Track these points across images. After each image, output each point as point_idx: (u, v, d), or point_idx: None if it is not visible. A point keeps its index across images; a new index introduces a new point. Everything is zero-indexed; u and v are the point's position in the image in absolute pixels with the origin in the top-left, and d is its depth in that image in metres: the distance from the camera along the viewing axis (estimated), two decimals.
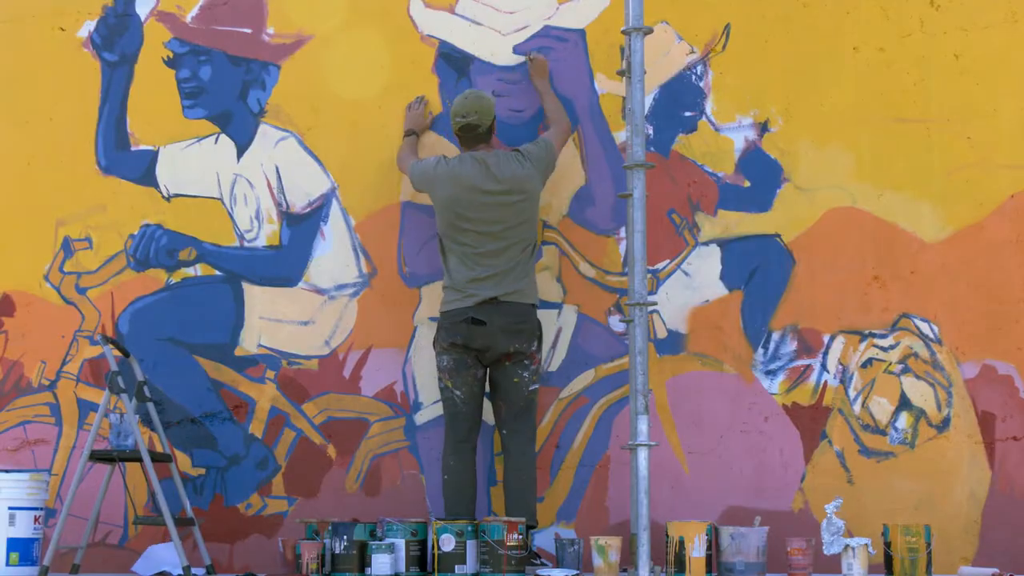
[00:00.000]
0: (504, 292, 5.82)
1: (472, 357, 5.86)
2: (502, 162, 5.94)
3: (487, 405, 6.03)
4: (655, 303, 5.71)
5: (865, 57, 6.13)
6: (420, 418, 6.22)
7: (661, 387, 6.09)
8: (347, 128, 6.43)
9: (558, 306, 6.22)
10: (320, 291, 6.37)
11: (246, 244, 6.45)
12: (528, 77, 6.27)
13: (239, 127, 6.51)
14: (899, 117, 6.08)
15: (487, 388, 6.00)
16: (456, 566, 5.47)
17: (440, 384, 5.95)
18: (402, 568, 5.51)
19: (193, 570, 5.84)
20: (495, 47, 6.37)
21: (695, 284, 6.14)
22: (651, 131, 6.19)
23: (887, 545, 5.40)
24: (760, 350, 6.06)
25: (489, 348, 5.83)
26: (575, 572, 5.47)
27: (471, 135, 6.01)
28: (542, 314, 6.14)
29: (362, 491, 6.22)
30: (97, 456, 5.93)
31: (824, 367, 6.02)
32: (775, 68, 6.19)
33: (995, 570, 5.40)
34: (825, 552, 5.33)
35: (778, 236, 6.11)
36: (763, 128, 6.17)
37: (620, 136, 6.22)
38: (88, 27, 6.66)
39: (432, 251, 6.20)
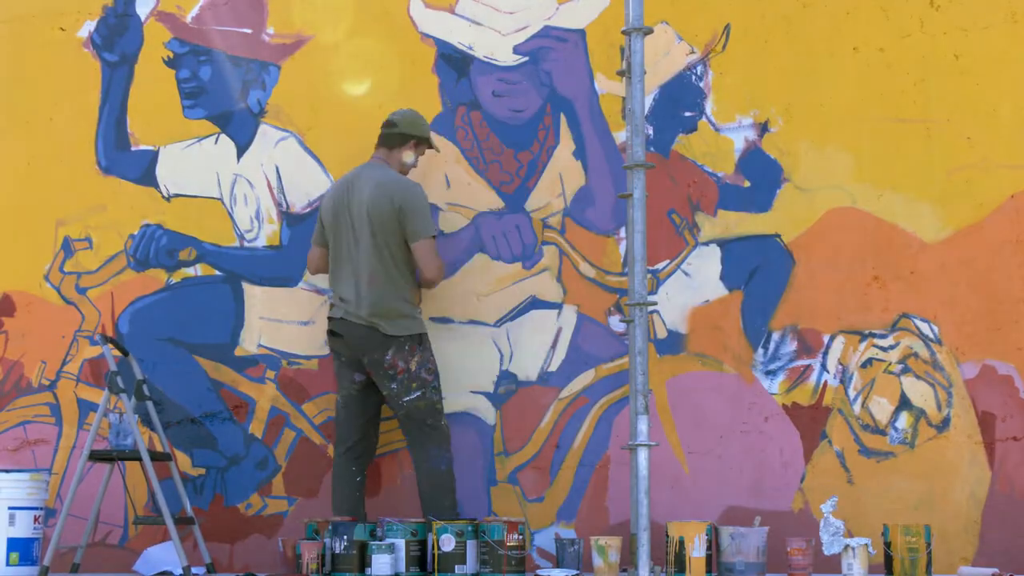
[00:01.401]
0: (356, 317, 5.90)
1: (347, 361, 5.96)
2: (376, 179, 5.97)
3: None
4: (655, 303, 5.70)
5: (865, 57, 6.13)
6: None
7: (661, 387, 6.09)
8: (347, 128, 6.43)
9: (558, 306, 6.22)
10: (320, 291, 6.37)
11: (246, 244, 6.45)
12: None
13: (239, 127, 6.51)
14: (899, 117, 6.08)
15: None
16: (456, 566, 5.47)
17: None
18: (402, 568, 5.51)
19: (193, 569, 5.84)
20: (495, 47, 6.38)
21: (695, 284, 6.14)
22: (651, 131, 6.19)
23: (887, 545, 5.40)
24: (760, 350, 6.06)
25: (353, 356, 5.94)
26: (575, 572, 5.47)
27: (385, 131, 6.08)
28: (542, 314, 6.14)
29: None
30: (97, 456, 5.93)
31: (824, 367, 6.02)
32: (775, 68, 6.19)
33: (995, 570, 5.40)
34: (825, 552, 5.33)
35: (778, 236, 6.11)
36: (763, 128, 6.17)
37: (620, 136, 6.22)
38: (88, 27, 6.66)
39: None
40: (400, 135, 6.06)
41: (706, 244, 6.16)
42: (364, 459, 6.01)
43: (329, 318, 5.98)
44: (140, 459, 5.86)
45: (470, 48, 6.38)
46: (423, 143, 6.11)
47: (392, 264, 5.90)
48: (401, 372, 5.84)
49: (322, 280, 6.33)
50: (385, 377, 5.85)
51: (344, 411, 5.99)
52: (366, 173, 6.01)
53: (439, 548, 5.48)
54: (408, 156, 6.08)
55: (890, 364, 5.98)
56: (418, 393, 5.86)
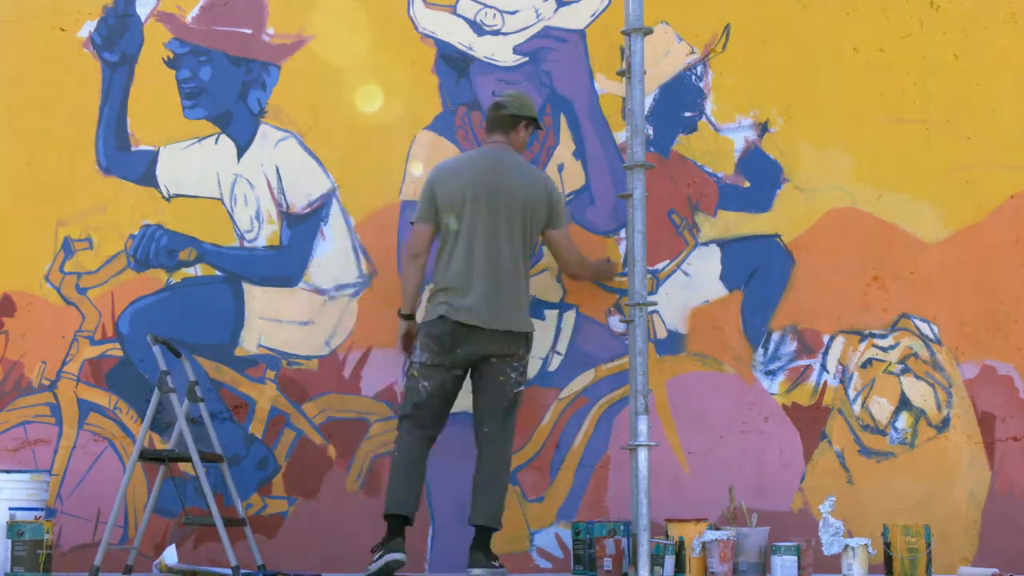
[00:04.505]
0: (494, 322, 5.64)
1: (452, 358, 5.68)
2: (520, 165, 5.83)
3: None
4: (655, 303, 5.70)
5: (865, 57, 6.13)
6: None
7: (661, 387, 6.09)
8: (347, 128, 6.43)
9: (558, 306, 6.22)
10: (320, 291, 6.37)
11: (246, 244, 6.46)
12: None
13: (239, 127, 6.52)
14: (899, 117, 6.09)
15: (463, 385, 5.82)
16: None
17: (407, 371, 5.84)
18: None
19: (218, 569, 5.84)
20: (495, 47, 6.38)
21: (695, 284, 6.14)
22: (651, 131, 6.19)
23: (887, 545, 5.40)
24: (760, 350, 6.07)
25: (474, 351, 5.67)
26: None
27: (495, 115, 5.89)
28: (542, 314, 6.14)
29: (362, 491, 6.22)
30: (148, 456, 5.88)
31: (824, 367, 6.02)
32: (775, 68, 6.19)
33: (995, 570, 5.40)
34: (825, 552, 5.33)
35: (778, 236, 6.11)
36: (763, 128, 6.17)
37: (620, 136, 6.22)
38: (88, 27, 6.66)
39: (432, 251, 6.19)
40: (511, 117, 5.87)
41: (706, 244, 6.16)
42: (431, 443, 5.83)
43: (445, 319, 5.65)
44: (189, 459, 5.80)
45: (470, 48, 6.38)
46: (532, 123, 5.93)
47: (524, 258, 5.77)
48: (522, 364, 5.75)
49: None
50: (505, 368, 5.69)
51: (434, 399, 5.69)
52: (507, 158, 5.82)
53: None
54: (523, 138, 5.93)
55: (890, 364, 5.98)
56: (522, 388, 5.77)
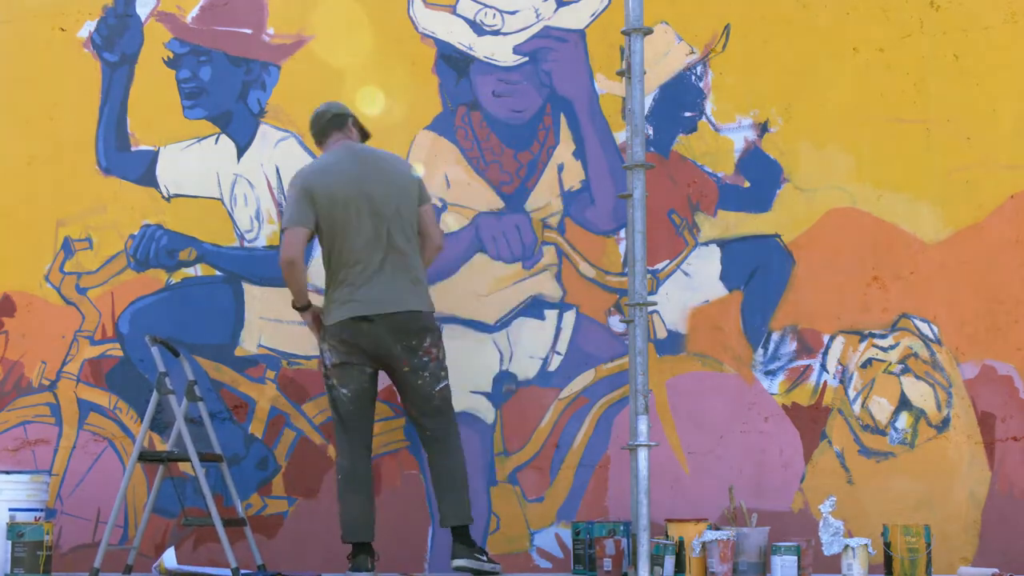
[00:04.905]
0: (391, 305, 5.63)
1: (360, 355, 5.66)
2: (380, 152, 5.89)
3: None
4: (655, 303, 5.70)
5: (865, 57, 6.13)
6: None
7: (661, 387, 6.09)
8: None
9: (558, 306, 6.22)
10: (320, 291, 6.37)
11: (246, 244, 6.46)
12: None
13: (239, 127, 6.52)
14: (899, 117, 6.08)
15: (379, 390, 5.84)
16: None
17: (326, 382, 5.78)
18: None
19: (217, 570, 5.84)
20: (495, 47, 6.38)
21: (695, 284, 6.14)
22: (651, 131, 6.19)
23: (887, 545, 5.40)
24: (760, 350, 6.07)
25: (377, 347, 5.63)
26: None
27: (327, 122, 5.89)
28: (542, 314, 6.14)
29: None
30: (147, 457, 5.88)
31: (824, 367, 6.02)
32: (775, 68, 6.19)
33: (995, 570, 5.40)
34: (825, 552, 5.32)
35: (778, 236, 6.11)
36: (763, 128, 6.17)
37: (620, 136, 6.22)
38: (88, 27, 6.66)
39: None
40: (336, 116, 5.90)
41: (706, 244, 6.16)
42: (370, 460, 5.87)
43: (346, 320, 5.62)
44: (188, 459, 5.79)
45: (470, 48, 6.39)
46: (355, 121, 6.01)
47: (413, 239, 5.76)
48: (434, 360, 5.68)
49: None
50: (418, 367, 5.65)
51: (355, 406, 5.72)
52: (364, 149, 5.88)
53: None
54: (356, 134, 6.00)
55: (890, 364, 5.98)
56: (445, 382, 5.74)
